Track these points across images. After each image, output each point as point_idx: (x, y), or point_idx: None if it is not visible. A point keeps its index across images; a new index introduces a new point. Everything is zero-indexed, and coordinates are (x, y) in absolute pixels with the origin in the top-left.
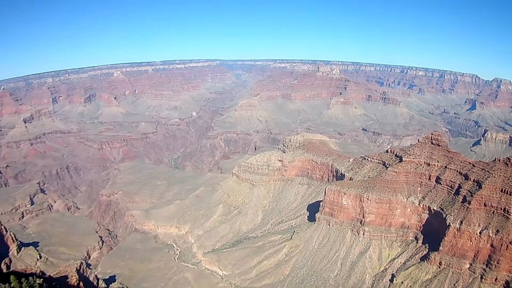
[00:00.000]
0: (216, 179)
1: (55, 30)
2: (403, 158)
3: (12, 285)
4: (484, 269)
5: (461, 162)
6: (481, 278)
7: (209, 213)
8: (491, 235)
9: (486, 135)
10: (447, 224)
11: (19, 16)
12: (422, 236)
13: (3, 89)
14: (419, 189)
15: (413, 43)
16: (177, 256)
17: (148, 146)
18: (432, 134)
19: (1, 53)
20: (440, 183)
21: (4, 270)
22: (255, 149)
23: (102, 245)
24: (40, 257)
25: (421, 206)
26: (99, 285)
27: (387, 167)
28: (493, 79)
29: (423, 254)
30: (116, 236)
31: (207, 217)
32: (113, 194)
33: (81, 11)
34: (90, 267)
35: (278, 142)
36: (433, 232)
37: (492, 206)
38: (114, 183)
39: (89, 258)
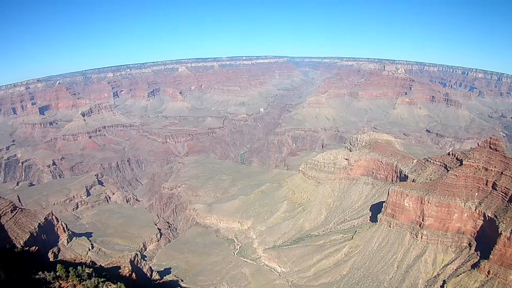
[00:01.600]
0: (282, 175)
1: (114, 25)
2: (463, 162)
3: (58, 273)
4: None
5: None
6: None
7: (273, 209)
8: None
9: None
10: (499, 232)
11: (81, 12)
12: (475, 242)
13: (59, 83)
14: (476, 194)
15: (473, 44)
16: (237, 251)
17: (214, 140)
18: (490, 138)
19: (58, 49)
20: (496, 189)
21: (51, 259)
22: (322, 146)
23: (160, 237)
24: (92, 247)
25: (477, 212)
26: (153, 277)
27: (448, 170)
28: None
29: (475, 261)
30: (176, 229)
31: (270, 213)
32: (175, 187)
33: (145, 8)
34: (145, 258)
35: (345, 140)
36: (486, 239)
37: None
38: (178, 176)
39: (145, 250)
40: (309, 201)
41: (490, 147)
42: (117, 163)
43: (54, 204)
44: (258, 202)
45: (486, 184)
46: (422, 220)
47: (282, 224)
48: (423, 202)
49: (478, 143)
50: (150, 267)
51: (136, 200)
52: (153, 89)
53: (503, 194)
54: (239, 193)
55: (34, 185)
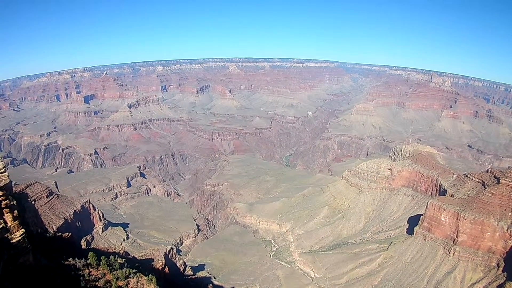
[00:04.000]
0: (325, 180)
1: (167, 21)
2: (500, 180)
3: (89, 261)
4: None
5: None
6: None
7: (313, 213)
8: None
9: None
10: None
11: (134, 6)
12: (503, 263)
13: (106, 73)
14: (510, 214)
15: None
16: (273, 252)
17: (260, 141)
18: None
19: (107, 39)
20: None
21: (84, 247)
22: (367, 154)
23: (198, 233)
24: (127, 238)
25: (509, 232)
26: (185, 272)
27: (486, 188)
28: None
29: (501, 282)
30: (215, 226)
31: (310, 218)
32: (218, 185)
33: (199, 4)
34: (181, 253)
35: (389, 149)
36: None
37: None
38: (221, 174)
39: (181, 244)
40: (349, 208)
41: None
42: (161, 156)
43: (92, 192)
44: (299, 205)
45: None
46: (456, 236)
47: (321, 230)
48: (459, 218)
49: None
50: (184, 262)
51: (177, 194)
52: (203, 86)
53: None
54: (281, 195)
55: (73, 172)
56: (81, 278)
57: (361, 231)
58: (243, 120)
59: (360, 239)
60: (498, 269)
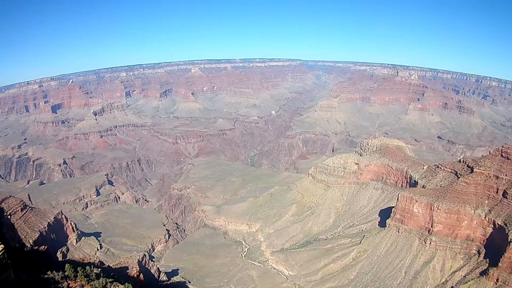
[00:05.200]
0: (292, 178)
1: (129, 26)
2: (474, 169)
3: (66, 273)
4: None
5: None
6: None
7: (282, 212)
8: None
9: None
10: (509, 240)
11: (93, 10)
12: (484, 250)
13: (72, 82)
14: (486, 202)
15: (488, 53)
16: (245, 253)
17: (224, 142)
18: (502, 147)
19: (71, 47)
20: (506, 198)
21: (60, 259)
22: (333, 150)
23: (169, 238)
24: (101, 247)
25: (487, 219)
26: (160, 278)
27: (459, 177)
28: None
29: (483, 269)
30: (184, 230)
31: (279, 216)
32: (185, 188)
33: (159, 7)
34: (154, 259)
35: (356, 145)
36: (495, 247)
37: None
38: (187, 177)
39: (153, 250)
40: (318, 204)
41: (502, 155)
42: (127, 163)
43: (64, 203)
44: (267, 204)
45: (497, 192)
46: (431, 227)
47: (290, 227)
48: (432, 209)
49: (489, 151)
50: (158, 268)
51: (146, 200)
52: (166, 90)
53: None
54: (248, 195)
55: (44, 183)
56: None
57: (332, 226)
58: (207, 122)
59: (332, 235)
60: (479, 256)
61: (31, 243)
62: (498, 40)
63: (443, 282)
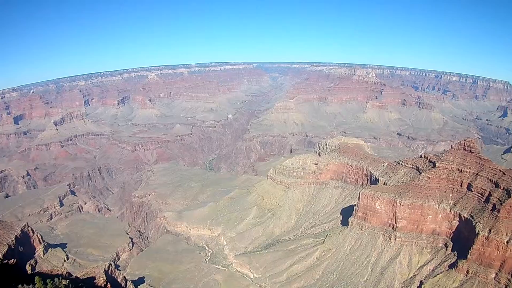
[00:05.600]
0: (251, 181)
1: (87, 34)
2: (436, 164)
3: (36, 286)
4: (509, 279)
5: (492, 169)
6: None
7: (243, 215)
8: None
9: None
10: (476, 232)
11: (51, 20)
12: (451, 243)
13: (32, 92)
14: (450, 195)
15: (447, 48)
16: (208, 258)
17: (182, 148)
18: (465, 140)
19: (31, 57)
20: (471, 190)
21: (29, 271)
22: (291, 151)
23: (132, 246)
24: (67, 258)
25: (452, 213)
26: (127, 286)
27: (421, 173)
28: None
29: (452, 261)
30: (147, 237)
31: (240, 219)
32: (145, 196)
33: (115, 15)
34: (119, 268)
35: (314, 145)
36: (462, 240)
37: None
38: (147, 184)
39: (119, 259)
40: (278, 206)
41: (465, 149)
42: (88, 172)
43: (29, 215)
44: (227, 208)
45: (461, 186)
46: (395, 223)
47: (252, 230)
48: (395, 205)
49: (451, 145)
50: (124, 277)
51: (108, 209)
52: (123, 97)
53: (479, 194)
54: (208, 200)
55: (10, 196)
56: None
57: (294, 227)
58: (164, 128)
59: (294, 236)
60: (446, 250)
61: (1, 257)
62: (457, 34)
63: (411, 277)
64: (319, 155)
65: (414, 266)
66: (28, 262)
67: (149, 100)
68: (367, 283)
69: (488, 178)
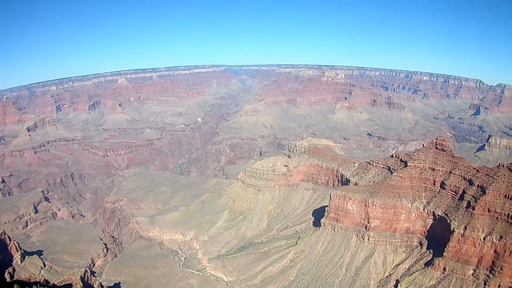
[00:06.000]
0: (221, 184)
1: (58, 39)
2: (408, 163)
3: None
4: (487, 275)
5: (465, 167)
6: (484, 284)
7: (214, 219)
8: (494, 241)
9: (490, 140)
10: (451, 229)
11: (21, 25)
12: (426, 241)
13: (6, 98)
14: (423, 194)
15: (417, 48)
16: (182, 262)
17: (153, 152)
18: (437, 139)
19: (3, 62)
20: (445, 188)
21: (8, 280)
22: (261, 154)
23: (107, 252)
24: (44, 266)
25: (426, 211)
26: None
27: (392, 172)
28: (497, 85)
29: (428, 259)
30: (121, 243)
31: (212, 223)
32: (117, 201)
33: (83, 19)
34: (95, 274)
35: (284, 147)
36: (437, 238)
37: (496, 212)
38: (119, 190)
39: (94, 265)
40: (249, 209)
41: (437, 148)
42: (61, 178)
43: (5, 222)
44: (199, 212)
45: (434, 184)
46: (368, 223)
47: (224, 233)
48: (367, 205)
49: (423, 144)
50: (101, 283)
51: (81, 215)
52: (94, 102)
53: (453, 192)
54: (179, 204)
55: None
56: None
57: (266, 230)
58: (134, 133)
59: (267, 238)
60: (422, 248)
61: None
62: (427, 34)
63: (387, 276)
64: (289, 157)
65: (389, 265)
66: (7, 270)
67: (119, 105)
68: (342, 283)
69: (461, 176)
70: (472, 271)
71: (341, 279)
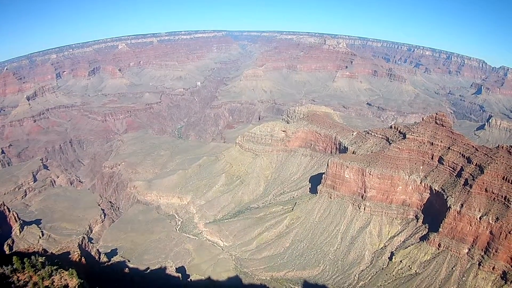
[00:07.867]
0: (219, 148)
1: (58, 6)
2: (406, 135)
3: (14, 266)
4: (482, 256)
5: (464, 144)
6: (479, 264)
7: (211, 183)
8: (490, 222)
9: (490, 120)
10: (448, 205)
11: None
12: (422, 215)
13: (6, 69)
14: (421, 167)
15: (421, 22)
16: (179, 227)
17: (151, 116)
18: (437, 114)
19: (4, 33)
20: (443, 164)
21: (7, 252)
22: (259, 119)
23: (104, 218)
24: (43, 235)
25: (423, 185)
26: (101, 259)
27: (391, 143)
28: (500, 67)
29: (423, 233)
30: (118, 208)
31: (209, 187)
32: (116, 166)
33: None
34: (92, 241)
35: (282, 112)
36: (433, 212)
37: (493, 193)
38: (117, 154)
39: (91, 232)
40: (247, 173)
41: (436, 122)
42: (60, 145)
43: (4, 194)
44: (196, 176)
45: (432, 158)
46: (364, 192)
47: (221, 198)
48: (364, 174)
49: (423, 118)
50: (98, 250)
51: (80, 181)
52: (94, 68)
53: (451, 168)
54: (177, 167)
55: None
56: (12, 285)
57: (262, 194)
58: (134, 97)
59: (263, 203)
60: (417, 221)
61: None
62: (431, 9)
63: (381, 248)
64: (288, 123)
65: (384, 237)
66: (6, 242)
67: (119, 70)
68: (337, 252)
69: (460, 152)
70: (467, 250)
71: (336, 248)
